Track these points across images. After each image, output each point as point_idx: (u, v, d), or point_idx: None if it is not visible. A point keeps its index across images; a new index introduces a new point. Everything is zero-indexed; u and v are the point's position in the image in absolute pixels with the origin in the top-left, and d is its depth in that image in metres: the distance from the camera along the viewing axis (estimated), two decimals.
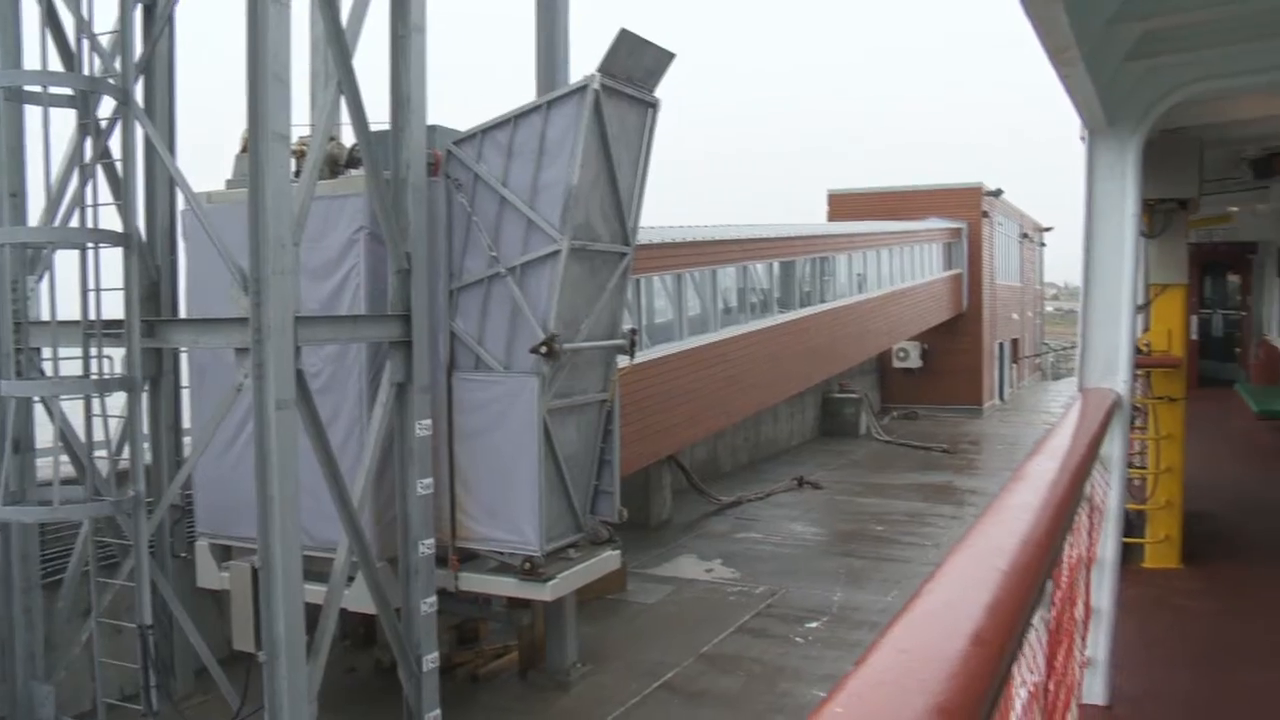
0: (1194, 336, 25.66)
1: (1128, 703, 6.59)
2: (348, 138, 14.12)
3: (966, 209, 45.79)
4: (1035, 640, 3.17)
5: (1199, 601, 8.97)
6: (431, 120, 13.40)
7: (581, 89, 13.21)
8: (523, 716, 14.93)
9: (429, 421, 13.27)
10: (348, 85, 12.19)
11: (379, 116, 12.92)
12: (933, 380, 45.21)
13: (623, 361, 15.42)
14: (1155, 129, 9.00)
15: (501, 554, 13.98)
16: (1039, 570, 2.32)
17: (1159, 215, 9.66)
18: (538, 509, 13.53)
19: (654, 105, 14.41)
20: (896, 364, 45.52)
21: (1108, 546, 6.39)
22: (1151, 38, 6.11)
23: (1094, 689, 6.43)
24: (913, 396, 45.67)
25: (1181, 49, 6.22)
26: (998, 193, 47.67)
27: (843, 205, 45.51)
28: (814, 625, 18.68)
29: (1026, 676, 3.17)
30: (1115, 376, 6.49)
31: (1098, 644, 6.43)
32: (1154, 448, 10.01)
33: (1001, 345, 50.48)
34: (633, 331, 15.50)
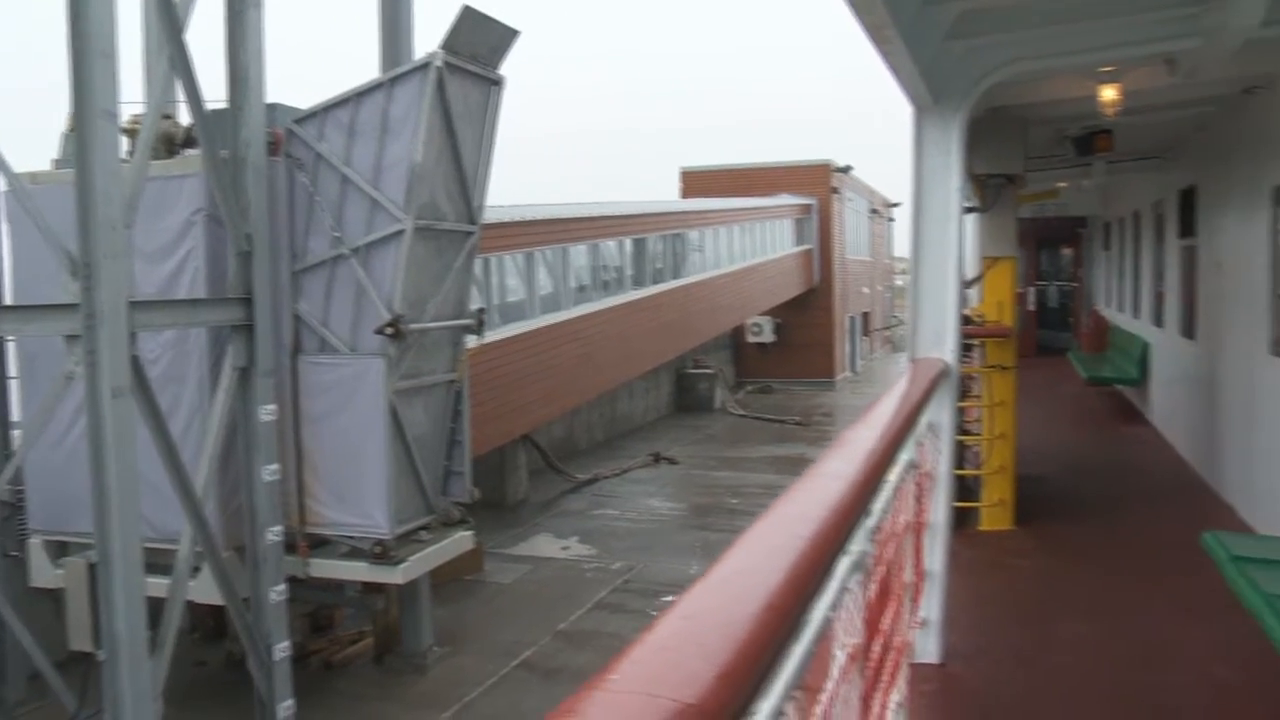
0: (1031, 307, 26.79)
1: (960, 659, 6.85)
2: (188, 116, 13.69)
3: (816, 185, 46.59)
4: (852, 604, 3.28)
5: (1030, 560, 9.38)
6: (272, 98, 13.08)
7: (424, 66, 13.06)
8: (379, 702, 14.78)
9: (274, 406, 12.99)
10: (180, 60, 11.80)
11: (217, 94, 12.56)
12: (786, 354, 45.95)
13: (471, 341, 15.33)
14: (981, 107, 9.34)
15: (352, 538, 13.81)
16: (838, 537, 2.36)
17: (989, 190, 10.01)
18: (386, 492, 13.40)
19: (498, 83, 14.32)
20: (750, 339, 46.10)
21: (939, 511, 6.62)
22: (969, 18, 6.33)
23: (928, 648, 6.67)
24: (767, 370, 46.36)
25: (998, 30, 6.46)
26: (847, 169, 48.67)
27: (696, 182, 45.90)
28: (670, 599, 18.55)
29: (845, 639, 3.28)
30: (943, 346, 6.72)
31: (931, 605, 6.66)
32: (988, 415, 10.41)
33: (853, 319, 51.62)
34: (481, 311, 15.43)
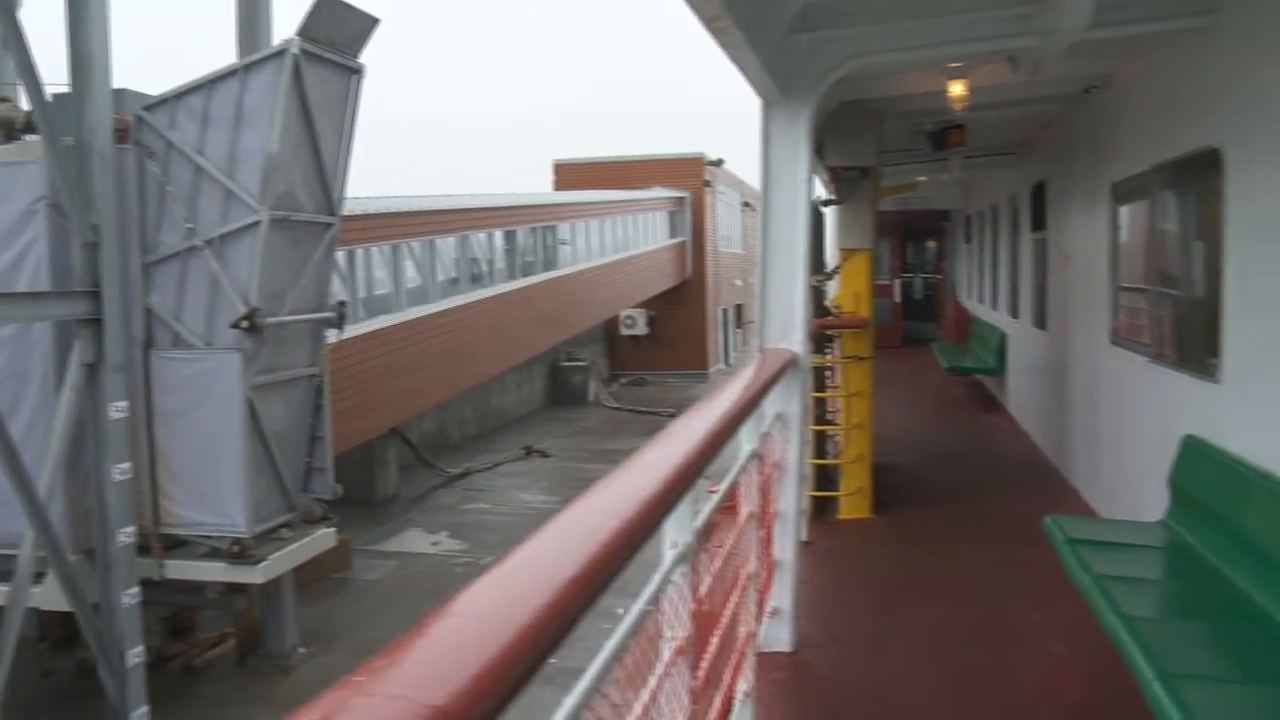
0: (897, 299, 27.29)
1: (812, 647, 6.91)
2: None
3: (689, 178, 46.79)
4: (677, 597, 3.26)
5: (885, 547, 9.54)
6: (120, 83, 12.63)
7: (280, 53, 12.73)
8: (242, 705, 14.41)
9: (125, 403, 12.57)
10: (14, 39, 11.30)
11: (60, 78, 12.08)
12: (660, 346, 46.08)
13: (332, 335, 15.04)
14: (833, 100, 9.46)
15: (209, 538, 13.44)
16: (640, 530, 2.26)
17: (844, 183, 10.14)
18: (244, 490, 13.07)
19: (358, 72, 14.05)
20: (624, 331, 46.11)
21: (789, 501, 6.66)
22: (813, 12, 6.37)
23: (780, 636, 6.71)
24: (641, 363, 46.44)
25: (844, 24, 6.51)
26: (719, 162, 48.99)
27: (569, 175, 45.72)
28: None
29: (670, 633, 3.26)
30: (792, 337, 6.76)
31: (782, 595, 6.71)
32: (845, 405, 10.54)
33: (725, 311, 52.02)
34: (342, 304, 15.13)
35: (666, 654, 3.17)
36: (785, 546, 6.68)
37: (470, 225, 26.71)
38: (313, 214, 13.87)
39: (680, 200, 46.27)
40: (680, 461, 3.03)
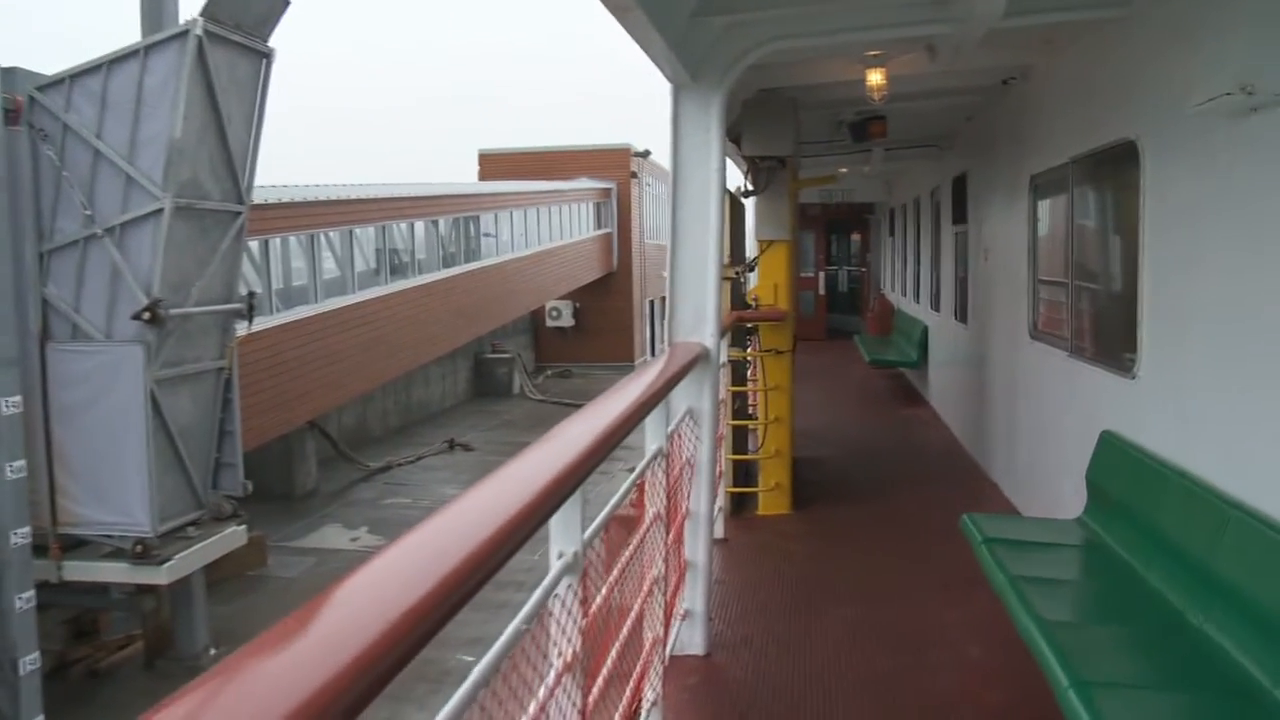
0: (822, 292, 27.32)
1: (725, 650, 6.73)
2: None
3: (616, 169, 46.48)
4: (563, 611, 3.04)
5: (803, 544, 9.39)
6: (9, 61, 12.10)
7: (182, 34, 12.25)
8: (147, 710, 13.91)
9: (19, 398, 12.06)
10: None
11: None
12: (586, 338, 45.77)
13: (242, 328, 14.59)
14: (751, 88, 9.27)
15: (111, 538, 12.95)
16: (513, 536, 2.14)
17: (762, 173, 9.94)
18: (147, 487, 12.61)
19: (267, 55, 13.61)
20: (550, 323, 45.72)
21: (700, 501, 6.46)
22: None
23: (692, 640, 6.51)
24: (567, 355, 46.11)
25: (756, 7, 6.30)
26: (646, 154, 48.74)
27: (494, 165, 45.23)
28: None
29: (559, 649, 3.03)
30: (703, 330, 6.54)
31: (694, 597, 6.51)
32: (763, 399, 10.36)
33: (652, 303, 51.79)
34: (251, 295, 14.67)
35: (551, 675, 2.96)
36: (698, 547, 6.49)
37: (390, 215, 26.21)
38: (220, 202, 13.42)
39: (606, 192, 45.99)
40: (564, 465, 2.81)
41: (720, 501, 9.30)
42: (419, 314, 27.28)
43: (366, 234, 25.21)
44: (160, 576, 12.87)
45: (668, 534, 5.43)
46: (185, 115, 12.24)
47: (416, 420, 34.10)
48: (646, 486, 5.06)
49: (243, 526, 14.48)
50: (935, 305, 15.62)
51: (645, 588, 4.97)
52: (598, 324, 45.80)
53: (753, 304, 10.47)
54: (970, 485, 10.84)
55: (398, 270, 27.15)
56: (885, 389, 18.72)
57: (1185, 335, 5.64)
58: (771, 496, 10.22)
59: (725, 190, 9.94)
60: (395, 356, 26.17)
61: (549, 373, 45.47)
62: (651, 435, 5.12)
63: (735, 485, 10.15)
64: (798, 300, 26.41)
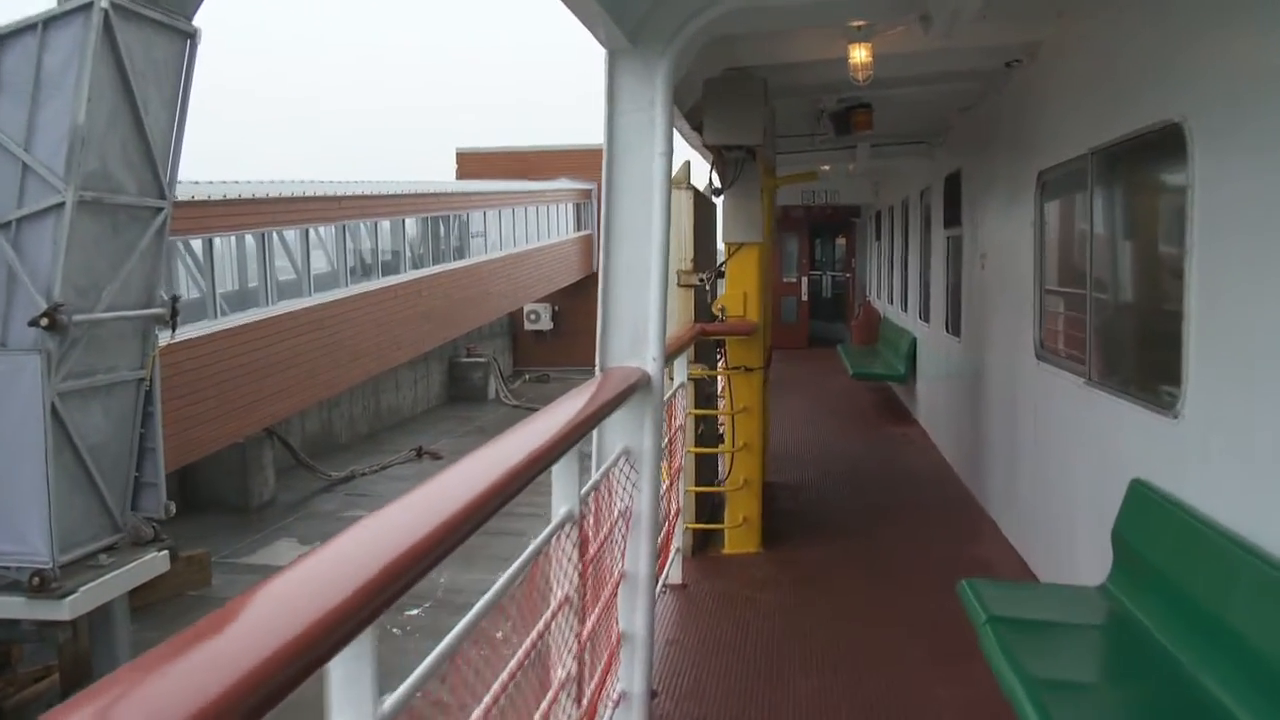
0: (805, 298, 26.24)
1: None
2: None
3: (597, 170, 44.99)
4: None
5: (773, 593, 8.15)
6: None
7: (86, 7, 10.93)
8: None
9: None
10: None
11: None
12: (565, 342, 44.57)
13: (164, 336, 13.28)
14: (718, 67, 8.04)
15: (6, 569, 11.64)
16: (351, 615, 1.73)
17: (729, 166, 8.69)
18: (45, 513, 11.28)
19: (191, 35, 12.31)
20: (528, 326, 44.69)
21: (640, 561, 5.20)
22: None
23: None
24: (545, 359, 44.95)
25: None
26: None
27: (472, 164, 44.04)
28: (415, 613, 17.35)
29: None
30: (643, 352, 5.28)
31: (633, 675, 5.26)
32: (730, 424, 9.10)
33: None
34: (175, 299, 13.32)
35: None
36: (635, 615, 5.23)
37: (352, 214, 24.89)
38: (136, 196, 12.11)
39: (587, 193, 44.96)
40: (421, 537, 2.12)
41: (677, 542, 8.07)
42: (381, 318, 26.00)
43: (328, 233, 23.91)
44: (61, 612, 11.56)
45: (588, 613, 4.24)
46: (90, 98, 10.93)
47: (386, 427, 32.94)
48: (553, 561, 3.85)
49: (164, 552, 13.16)
50: (924, 315, 14.46)
51: (552, 695, 3.79)
52: (577, 327, 44.61)
53: (719, 315, 9.20)
54: (966, 521, 9.64)
55: (357, 272, 25.84)
56: (870, 404, 17.52)
57: (1246, 365, 4.43)
58: (739, 533, 9.01)
59: (679, 183, 8.70)
60: (354, 363, 24.89)
61: (527, 377, 44.41)
62: (561, 493, 3.92)
63: (697, 520, 8.93)
64: (779, 307, 25.64)
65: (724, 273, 9.27)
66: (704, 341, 9.15)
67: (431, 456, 29.05)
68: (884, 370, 16.81)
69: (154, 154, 12.13)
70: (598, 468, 4.90)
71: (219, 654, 1.45)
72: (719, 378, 9.34)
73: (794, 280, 25.98)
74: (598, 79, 5.18)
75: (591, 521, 4.24)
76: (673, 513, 7.97)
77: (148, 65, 11.73)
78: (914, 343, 15.45)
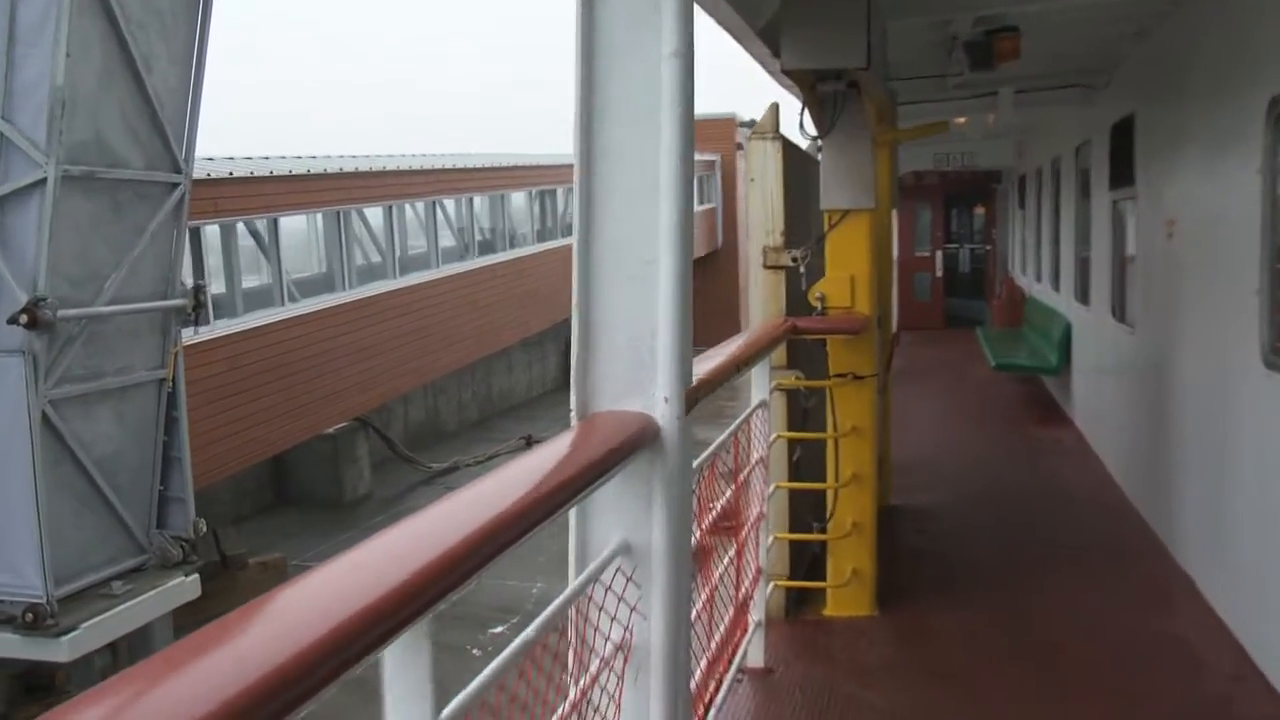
0: (940, 274, 23.88)
1: None
2: None
3: (720, 141, 43.24)
4: None
5: (889, 686, 6.03)
6: None
7: None
8: None
9: None
10: None
11: None
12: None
13: (188, 333, 11.65)
14: None
15: (2, 602, 10.13)
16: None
17: (824, 103, 6.52)
18: (36, 538, 9.71)
19: None
20: None
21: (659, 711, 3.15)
22: None
23: None
24: None
25: None
26: (753, 123, 45.35)
27: None
28: (499, 630, 15.74)
29: None
30: (649, 390, 3.17)
31: None
32: (833, 451, 6.91)
33: None
34: (199, 289, 11.63)
35: None
36: None
37: (442, 189, 23.13)
38: (143, 170, 10.45)
39: (710, 164, 42.96)
40: None
41: (758, 613, 5.95)
42: (479, 300, 24.27)
43: (414, 209, 22.26)
44: (60, 652, 10.02)
45: None
46: (70, 54, 9.26)
47: (498, 412, 31.44)
48: None
49: (193, 576, 11.56)
50: (1082, 296, 12.07)
51: None
52: (701, 306, 41.97)
53: (818, 306, 7.02)
54: (1148, 574, 7.37)
55: (452, 252, 24.14)
56: (1014, 397, 15.11)
57: None
58: (846, 593, 6.89)
59: (764, 131, 6.85)
60: (450, 349, 23.23)
61: None
62: None
63: (791, 575, 6.87)
64: (911, 284, 23.24)
65: (807, 254, 7.03)
66: (796, 343, 7.02)
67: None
68: (1031, 361, 14.44)
69: (162, 120, 10.45)
70: (575, 570, 3.01)
71: (241, 652, 1.34)
72: (812, 389, 7.19)
73: (927, 254, 23.62)
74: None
75: (574, 659, 2.77)
76: (750, 576, 5.88)
77: (147, 13, 10.05)
78: (1068, 328, 13.05)
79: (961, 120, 12.43)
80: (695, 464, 3.90)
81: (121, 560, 10.94)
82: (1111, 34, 8.65)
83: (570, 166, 3.00)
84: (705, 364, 4.22)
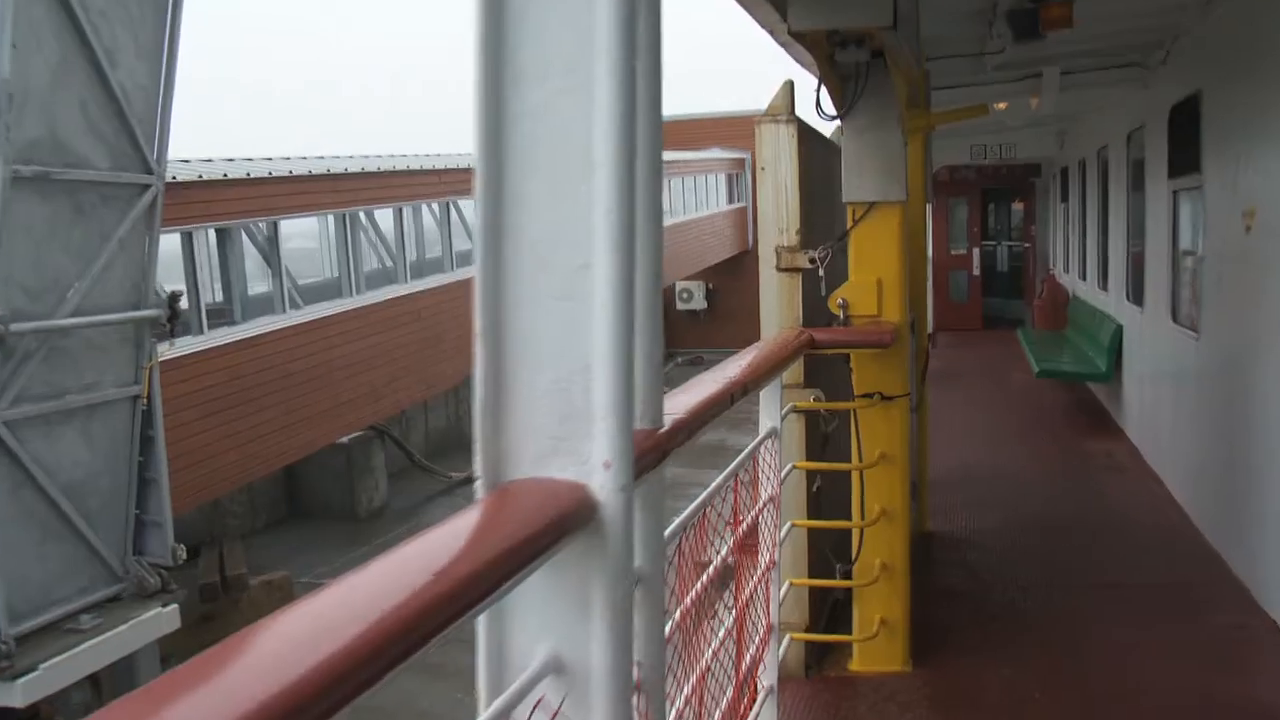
0: (977, 272, 22.93)
1: None
2: None
3: (750, 138, 42.32)
4: None
5: None
6: None
7: None
8: None
9: None
10: None
11: None
12: (719, 322, 41.75)
13: (163, 346, 10.85)
14: None
15: None
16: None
17: (849, 80, 5.60)
18: None
19: None
20: (680, 305, 42.18)
21: None
22: None
23: None
24: (698, 340, 42.15)
25: None
26: None
27: None
28: None
29: None
30: (583, 450, 2.23)
31: None
32: (858, 483, 5.97)
33: None
34: (174, 297, 10.82)
35: None
36: None
37: (455, 189, 22.26)
38: (109, 172, 9.63)
39: (740, 162, 41.95)
40: None
41: (769, 676, 5.00)
42: None
43: (427, 210, 21.44)
44: (13, 697, 9.17)
45: None
46: (19, 45, 8.45)
47: None
48: None
49: (172, 606, 10.74)
50: (1134, 297, 11.07)
51: None
52: (732, 306, 42.03)
53: (839, 314, 6.07)
54: (1226, 621, 6.40)
55: (464, 256, 23.35)
56: (1058, 406, 14.08)
57: None
58: (874, 646, 5.95)
59: (776, 112, 6.22)
60: (463, 355, 22.34)
61: (679, 360, 41.75)
62: None
63: (811, 626, 5.97)
64: (946, 283, 22.23)
65: (828, 253, 6.06)
66: (815, 358, 6.08)
67: None
68: (1078, 368, 13.43)
69: (130, 119, 9.63)
70: (486, 698, 2.06)
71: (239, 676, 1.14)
72: (833, 412, 6.24)
73: (964, 252, 22.64)
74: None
75: None
76: (760, 634, 4.94)
77: (111, 5, 9.22)
78: (1118, 332, 12.03)
79: (1002, 105, 11.44)
80: (668, 532, 3.01)
81: (94, 590, 10.16)
82: (1171, 2, 7.66)
83: None
84: (688, 394, 3.29)
